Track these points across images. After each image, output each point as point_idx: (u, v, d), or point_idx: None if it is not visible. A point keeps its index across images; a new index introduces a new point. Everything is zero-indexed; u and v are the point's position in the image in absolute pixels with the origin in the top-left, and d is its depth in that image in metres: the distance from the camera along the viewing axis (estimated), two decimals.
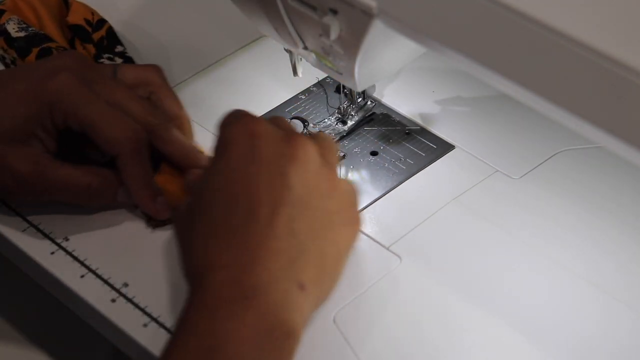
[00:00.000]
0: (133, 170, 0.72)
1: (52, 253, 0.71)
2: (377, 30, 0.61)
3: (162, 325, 0.67)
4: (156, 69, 0.78)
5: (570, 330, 0.67)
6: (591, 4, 0.48)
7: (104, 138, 0.71)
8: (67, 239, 0.72)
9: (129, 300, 0.68)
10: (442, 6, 0.52)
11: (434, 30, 0.53)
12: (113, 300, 0.68)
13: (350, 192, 0.67)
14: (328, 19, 0.62)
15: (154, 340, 0.66)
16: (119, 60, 0.84)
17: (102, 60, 0.83)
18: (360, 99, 0.81)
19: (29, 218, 0.74)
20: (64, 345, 0.81)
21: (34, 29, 0.83)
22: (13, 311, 0.81)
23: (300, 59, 0.78)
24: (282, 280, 0.60)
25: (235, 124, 0.64)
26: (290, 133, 0.65)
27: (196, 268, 0.61)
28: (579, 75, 0.47)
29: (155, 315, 0.67)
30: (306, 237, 0.62)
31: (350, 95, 0.81)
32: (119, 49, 0.85)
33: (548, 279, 0.70)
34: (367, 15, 0.59)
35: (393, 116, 0.82)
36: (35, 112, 0.71)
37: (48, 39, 0.82)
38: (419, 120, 0.81)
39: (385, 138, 0.80)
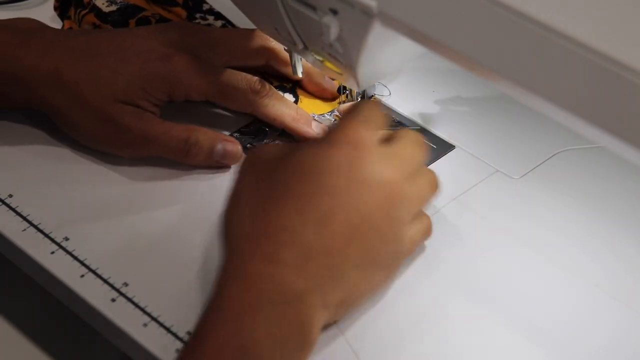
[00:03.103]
0: (274, 110, 0.79)
1: (52, 253, 0.71)
2: (377, 30, 0.61)
3: (162, 325, 0.67)
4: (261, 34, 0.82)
5: (570, 329, 0.67)
6: (591, 4, 0.48)
7: (232, 105, 0.79)
8: (67, 239, 0.72)
9: (129, 300, 0.68)
10: (442, 6, 0.52)
11: (434, 30, 0.53)
12: (113, 300, 0.68)
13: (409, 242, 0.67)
14: (328, 19, 0.62)
15: (154, 340, 0.66)
16: (210, 18, 0.86)
17: (197, 21, 0.85)
18: (360, 100, 0.81)
19: (29, 218, 0.74)
20: (64, 345, 0.81)
21: (122, 1, 0.84)
22: (13, 311, 0.81)
23: (300, 59, 0.78)
24: (314, 295, 0.60)
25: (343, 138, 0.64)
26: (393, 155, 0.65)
27: (248, 243, 0.61)
28: (579, 75, 0.47)
29: (155, 315, 0.67)
30: (352, 265, 0.62)
31: (350, 95, 0.81)
32: (205, 6, 0.87)
33: (548, 278, 0.70)
34: (367, 15, 0.59)
35: (393, 116, 0.82)
36: (152, 88, 0.75)
37: (140, 8, 0.84)
38: (419, 120, 0.81)
39: None
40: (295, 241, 0.60)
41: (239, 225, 0.62)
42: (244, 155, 0.78)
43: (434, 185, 0.68)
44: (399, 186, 0.63)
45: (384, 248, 0.63)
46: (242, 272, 0.60)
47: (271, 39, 0.80)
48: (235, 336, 0.57)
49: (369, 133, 0.64)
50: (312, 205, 0.61)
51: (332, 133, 0.64)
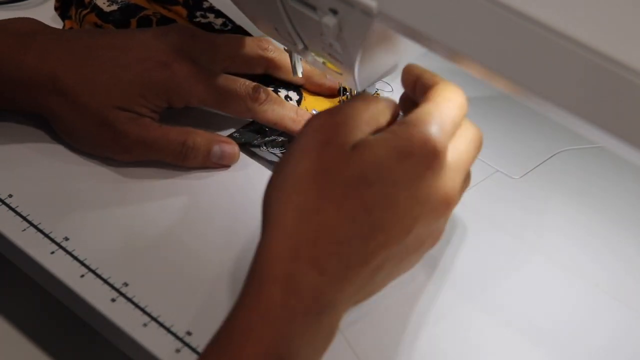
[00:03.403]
0: (274, 115, 0.78)
1: (52, 253, 0.71)
2: (377, 30, 0.61)
3: (162, 325, 0.67)
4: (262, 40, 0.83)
5: (570, 329, 0.67)
6: (591, 4, 0.48)
7: (230, 112, 0.79)
8: (67, 239, 0.72)
9: (129, 300, 0.68)
10: (442, 6, 0.52)
11: (434, 30, 0.53)
12: (113, 300, 0.68)
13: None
14: (328, 19, 0.62)
15: (154, 340, 0.66)
16: (210, 16, 0.86)
17: (197, 20, 0.85)
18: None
19: (29, 218, 0.74)
20: (64, 345, 0.81)
21: (123, 0, 0.84)
22: (13, 311, 0.81)
23: (300, 59, 0.78)
24: (346, 304, 0.59)
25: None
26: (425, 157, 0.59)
27: (293, 241, 0.56)
28: (579, 75, 0.47)
29: (155, 315, 0.67)
30: (385, 274, 0.61)
31: (350, 96, 0.81)
32: (205, 4, 0.87)
33: (548, 278, 0.70)
34: (367, 15, 0.59)
35: None
36: (150, 95, 0.75)
37: (140, 7, 0.84)
38: None
39: None
40: (342, 252, 0.56)
41: (284, 215, 0.57)
42: (239, 155, 0.78)
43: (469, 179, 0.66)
44: (454, 201, 0.61)
45: (418, 257, 0.63)
46: (284, 274, 0.56)
47: (271, 48, 0.81)
48: (274, 344, 0.55)
49: (441, 140, 0.59)
50: (368, 217, 0.57)
51: (408, 136, 0.58)
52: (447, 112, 0.60)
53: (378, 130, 0.60)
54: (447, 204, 0.60)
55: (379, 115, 0.61)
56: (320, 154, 0.57)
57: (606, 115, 0.48)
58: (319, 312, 0.57)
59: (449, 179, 0.59)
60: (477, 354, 0.65)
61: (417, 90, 0.65)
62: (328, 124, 0.59)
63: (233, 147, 0.78)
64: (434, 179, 0.58)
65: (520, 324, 0.67)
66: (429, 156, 0.57)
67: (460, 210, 0.74)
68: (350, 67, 0.68)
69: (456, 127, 0.61)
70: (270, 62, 0.81)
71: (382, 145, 0.57)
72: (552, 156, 0.79)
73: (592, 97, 0.48)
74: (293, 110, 0.79)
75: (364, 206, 0.56)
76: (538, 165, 0.78)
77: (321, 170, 0.57)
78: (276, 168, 0.60)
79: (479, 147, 0.63)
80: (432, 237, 0.63)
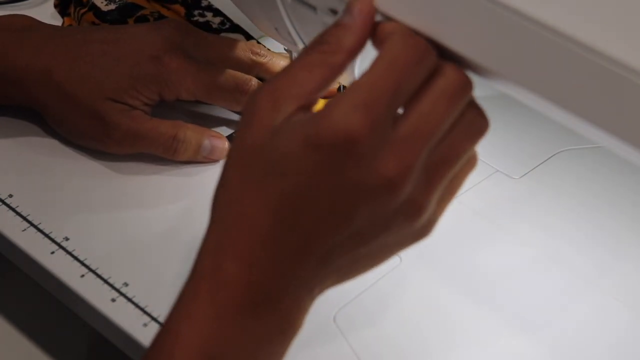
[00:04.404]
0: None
1: (52, 253, 0.71)
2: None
3: (162, 325, 0.67)
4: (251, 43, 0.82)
5: (569, 329, 0.67)
6: (591, 4, 0.48)
7: (221, 104, 0.79)
8: (67, 239, 0.72)
9: (129, 300, 0.68)
10: (442, 6, 0.52)
11: (434, 30, 0.53)
12: (113, 300, 0.68)
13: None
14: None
15: None
16: (209, 15, 0.86)
17: (195, 18, 0.85)
18: None
19: (29, 218, 0.74)
20: (64, 345, 0.81)
21: None
22: (13, 311, 0.81)
23: None
24: (299, 289, 0.53)
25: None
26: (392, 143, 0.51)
27: (210, 242, 0.53)
28: (579, 75, 0.47)
29: (155, 315, 0.67)
30: (338, 265, 0.54)
31: None
32: (204, 3, 0.87)
33: (548, 278, 0.70)
34: None
35: None
36: (142, 87, 0.76)
37: (138, 6, 0.84)
38: None
39: None
40: (267, 243, 0.52)
41: (213, 208, 0.54)
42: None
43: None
44: (403, 181, 0.51)
45: (393, 242, 0.55)
46: (210, 269, 0.53)
47: (263, 53, 0.81)
48: (204, 344, 0.52)
49: (357, 123, 0.50)
50: (288, 207, 0.51)
51: (317, 123, 0.51)
52: (378, 83, 0.50)
53: (309, 106, 0.53)
54: (390, 186, 0.51)
55: (313, 88, 0.53)
56: (243, 136, 0.53)
57: (606, 115, 0.48)
58: (254, 307, 0.52)
59: (388, 158, 0.50)
60: (477, 353, 0.65)
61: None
62: (251, 102, 0.53)
63: (223, 142, 0.78)
64: (361, 165, 0.50)
65: (520, 324, 0.67)
66: (342, 144, 0.50)
67: (460, 210, 0.74)
68: (350, 67, 0.68)
69: (399, 93, 0.51)
70: (262, 67, 0.81)
71: (293, 133, 0.51)
72: (552, 156, 0.79)
73: (592, 97, 0.48)
74: None
75: (282, 198, 0.51)
76: (538, 165, 0.78)
77: (241, 154, 0.53)
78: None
79: (457, 97, 0.52)
80: (401, 215, 0.52)
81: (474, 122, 0.53)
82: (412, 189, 0.51)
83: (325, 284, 0.55)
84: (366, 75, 0.51)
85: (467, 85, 0.52)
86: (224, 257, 0.52)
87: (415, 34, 0.51)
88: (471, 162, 0.55)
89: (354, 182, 0.51)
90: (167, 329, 0.54)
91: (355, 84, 0.51)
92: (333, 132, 0.50)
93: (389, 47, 0.51)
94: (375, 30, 0.52)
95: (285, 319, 0.54)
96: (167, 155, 0.77)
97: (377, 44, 0.53)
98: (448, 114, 0.52)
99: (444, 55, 0.54)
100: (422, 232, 0.55)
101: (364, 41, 0.52)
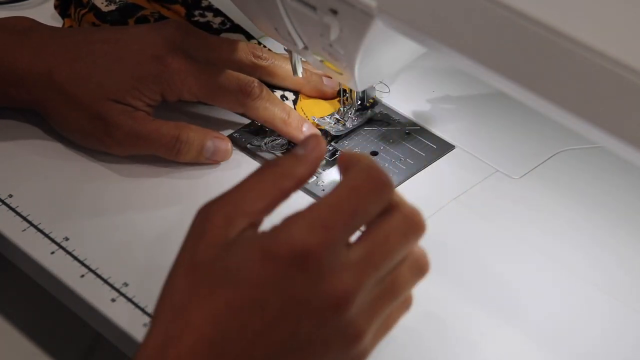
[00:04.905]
0: (266, 113, 0.78)
1: (52, 253, 0.71)
2: (377, 30, 0.61)
3: None
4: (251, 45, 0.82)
5: (569, 328, 0.67)
6: (591, 4, 0.48)
7: (223, 106, 0.79)
8: (67, 239, 0.72)
9: (129, 300, 0.68)
10: (442, 6, 0.52)
11: (434, 30, 0.53)
12: (113, 300, 0.68)
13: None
14: (328, 19, 0.62)
15: None
16: (209, 15, 0.86)
17: (195, 18, 0.85)
18: (359, 103, 0.81)
19: (29, 218, 0.74)
20: (64, 345, 0.81)
21: (121, 0, 0.85)
22: (13, 311, 0.81)
23: (300, 59, 0.78)
24: None
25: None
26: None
27: (154, 344, 0.53)
28: (579, 76, 0.47)
29: None
30: None
31: (350, 97, 0.81)
32: (204, 3, 0.87)
33: (548, 278, 0.70)
34: (367, 15, 0.59)
35: (393, 116, 0.82)
36: (144, 88, 0.75)
37: (139, 7, 0.84)
38: (419, 120, 0.81)
39: (385, 138, 0.80)
40: (209, 353, 0.52)
41: (159, 308, 0.54)
42: (233, 151, 0.78)
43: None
44: (349, 302, 0.52)
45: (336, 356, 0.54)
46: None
47: (264, 56, 0.80)
48: None
49: (315, 241, 0.51)
50: (234, 318, 0.52)
51: (275, 237, 0.52)
52: (339, 205, 0.52)
53: (257, 225, 0.54)
54: (336, 306, 0.52)
55: (263, 207, 0.54)
56: (193, 248, 0.54)
57: (606, 115, 0.48)
58: None
59: (339, 279, 0.52)
60: (476, 352, 0.65)
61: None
62: (205, 215, 0.55)
63: (226, 144, 0.78)
64: (311, 281, 0.51)
65: (520, 323, 0.67)
66: (297, 259, 0.51)
67: (460, 210, 0.74)
68: (350, 67, 0.68)
69: (356, 217, 0.52)
70: (263, 70, 0.80)
71: (249, 245, 0.53)
72: (552, 156, 0.79)
73: (592, 97, 0.48)
74: (285, 112, 0.78)
75: (229, 308, 0.52)
76: (538, 165, 0.78)
77: (192, 265, 0.54)
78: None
79: (410, 235, 0.55)
80: (340, 338, 0.53)
81: (418, 261, 0.56)
82: (355, 313, 0.53)
83: None
84: (327, 197, 0.53)
85: (421, 227, 0.55)
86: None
87: (378, 167, 0.54)
88: (406, 303, 0.57)
89: (303, 297, 0.52)
90: None
91: (316, 204, 0.53)
92: (290, 247, 0.51)
93: (353, 175, 0.53)
94: (341, 157, 0.55)
95: None
96: (170, 156, 0.77)
97: (342, 170, 0.55)
98: (400, 248, 0.54)
99: (445, 55, 0.54)
100: None
101: (312, 173, 0.55)
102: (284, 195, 0.54)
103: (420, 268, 0.56)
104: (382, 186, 0.53)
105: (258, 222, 0.54)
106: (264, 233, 0.53)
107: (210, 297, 0.52)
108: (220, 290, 0.52)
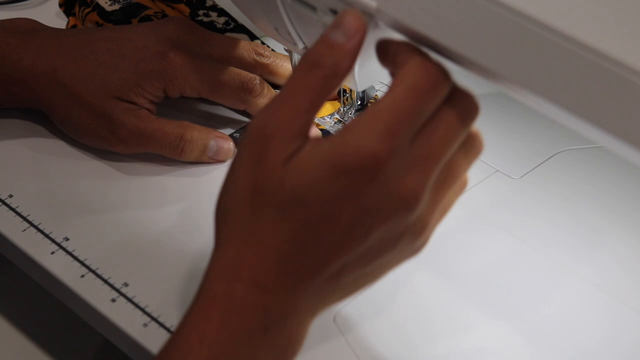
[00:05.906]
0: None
1: (52, 253, 0.71)
2: (377, 31, 0.61)
3: (162, 325, 0.67)
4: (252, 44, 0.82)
5: (569, 328, 0.67)
6: (591, 4, 0.48)
7: (224, 102, 0.79)
8: (67, 239, 0.72)
9: (129, 300, 0.68)
10: (442, 6, 0.52)
11: (434, 31, 0.53)
12: (113, 300, 0.68)
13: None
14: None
15: (154, 340, 0.66)
16: (213, 14, 0.86)
17: (199, 18, 0.85)
18: (359, 103, 0.81)
19: (29, 218, 0.74)
20: (64, 345, 0.81)
21: None
22: (13, 311, 0.81)
23: None
24: (303, 315, 0.55)
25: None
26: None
27: (224, 269, 0.54)
28: (579, 75, 0.47)
29: (155, 315, 0.67)
30: (348, 280, 0.55)
31: (350, 97, 0.81)
32: (208, 3, 0.87)
33: (548, 278, 0.70)
34: (367, 15, 0.59)
35: None
36: (147, 84, 0.76)
37: (142, 7, 0.84)
38: None
39: None
40: (286, 270, 0.53)
41: (225, 236, 0.55)
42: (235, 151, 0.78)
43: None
44: (418, 198, 0.53)
45: (399, 254, 0.56)
46: (223, 294, 0.54)
47: (266, 55, 0.81)
48: None
49: (381, 148, 0.51)
50: (310, 235, 0.53)
51: (342, 148, 0.52)
52: (401, 107, 0.52)
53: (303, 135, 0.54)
54: (407, 208, 0.53)
55: (312, 116, 0.54)
56: (253, 174, 0.54)
57: (606, 115, 0.48)
58: (266, 329, 0.54)
59: (407, 181, 0.52)
60: (475, 352, 0.65)
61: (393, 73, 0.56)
62: (259, 138, 0.54)
63: (229, 143, 0.78)
64: (381, 188, 0.52)
65: (519, 323, 0.67)
66: (367, 168, 0.51)
67: (460, 210, 0.74)
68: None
69: (419, 117, 0.52)
70: (265, 68, 0.81)
71: (314, 160, 0.52)
72: (552, 156, 0.79)
73: (592, 97, 0.48)
74: None
75: (303, 226, 0.52)
76: (538, 165, 0.78)
77: (255, 192, 0.54)
78: (223, 182, 0.56)
79: (468, 122, 0.54)
80: (409, 233, 0.55)
81: (473, 143, 0.55)
82: (421, 207, 0.54)
83: (327, 303, 0.57)
84: (387, 99, 0.52)
85: (477, 110, 0.54)
86: (237, 282, 0.54)
87: (433, 62, 0.53)
88: (462, 185, 0.58)
89: (374, 204, 0.52)
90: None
91: (377, 107, 0.52)
92: (360, 158, 0.51)
93: (409, 71, 0.52)
94: (387, 49, 0.54)
95: (292, 339, 0.55)
96: (173, 155, 0.77)
97: (393, 65, 0.54)
98: (459, 137, 0.54)
99: (445, 55, 0.54)
100: (418, 249, 0.57)
101: (355, 61, 0.54)
102: (329, 95, 0.54)
103: (475, 149, 0.56)
104: (442, 81, 0.53)
105: (308, 132, 0.54)
106: (327, 145, 0.52)
107: (282, 219, 0.53)
108: (292, 211, 0.53)
